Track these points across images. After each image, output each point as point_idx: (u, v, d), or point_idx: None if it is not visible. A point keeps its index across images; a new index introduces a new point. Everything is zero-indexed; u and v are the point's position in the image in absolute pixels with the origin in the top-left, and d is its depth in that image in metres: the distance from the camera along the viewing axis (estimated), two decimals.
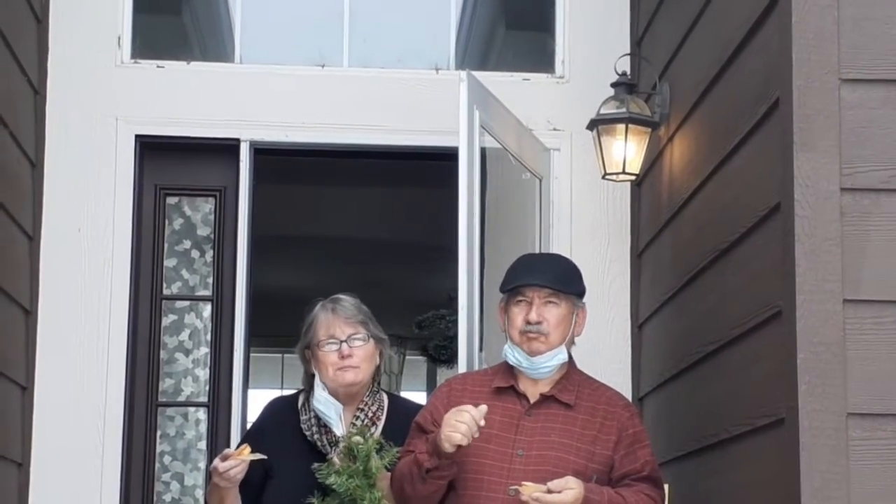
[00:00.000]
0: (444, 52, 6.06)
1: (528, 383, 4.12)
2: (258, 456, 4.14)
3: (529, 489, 3.83)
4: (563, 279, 4.12)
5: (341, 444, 4.20)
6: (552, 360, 4.08)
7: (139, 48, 5.89)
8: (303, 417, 4.33)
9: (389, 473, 4.13)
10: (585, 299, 4.19)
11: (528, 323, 4.05)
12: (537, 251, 5.51)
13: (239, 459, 4.12)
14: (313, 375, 4.36)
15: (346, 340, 4.32)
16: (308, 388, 4.39)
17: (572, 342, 4.16)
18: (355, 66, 5.98)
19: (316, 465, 4.18)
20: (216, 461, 4.15)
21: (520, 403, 4.09)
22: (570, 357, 4.16)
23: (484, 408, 3.88)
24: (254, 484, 4.24)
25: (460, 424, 3.84)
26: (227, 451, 4.19)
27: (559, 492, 3.82)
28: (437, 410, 4.09)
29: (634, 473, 4.02)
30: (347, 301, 4.41)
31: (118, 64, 5.84)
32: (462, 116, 4.97)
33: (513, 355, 4.09)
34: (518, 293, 4.09)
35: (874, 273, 3.63)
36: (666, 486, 4.33)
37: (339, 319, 4.34)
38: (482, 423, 3.86)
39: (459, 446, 3.86)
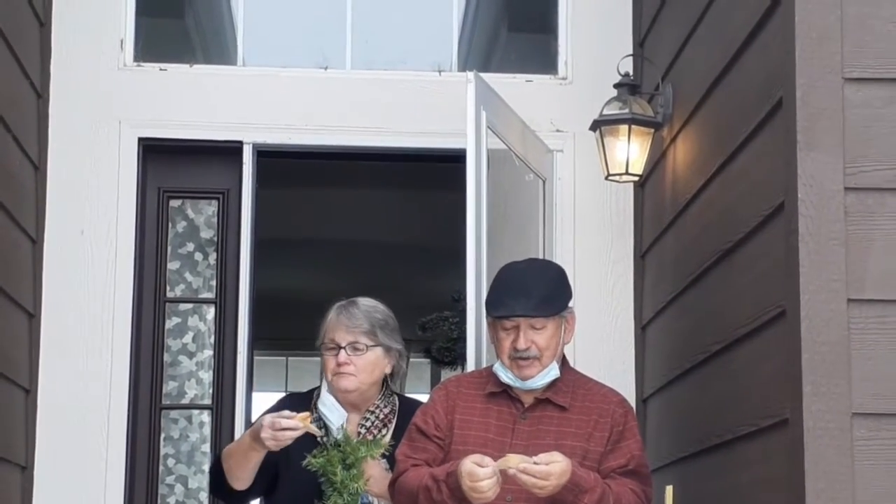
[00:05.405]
0: (447, 53, 6.05)
1: None
2: (315, 430, 4.11)
3: (514, 460, 3.80)
4: (548, 300, 4.05)
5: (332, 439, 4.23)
6: (544, 379, 4.05)
7: (142, 51, 5.89)
8: (315, 415, 4.33)
9: (386, 471, 4.18)
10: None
11: (517, 349, 4.02)
12: (541, 252, 5.49)
13: (301, 423, 4.06)
14: None
15: (344, 347, 4.31)
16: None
17: (563, 349, 4.14)
18: (358, 68, 5.97)
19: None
20: (273, 416, 4.07)
21: (514, 407, 4.07)
22: (564, 357, 4.14)
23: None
24: (267, 470, 4.23)
25: (482, 494, 3.82)
26: (286, 411, 4.11)
27: (546, 464, 3.81)
28: (438, 414, 4.10)
29: (619, 468, 4.00)
30: (360, 307, 4.38)
31: (121, 67, 5.83)
32: (470, 117, 4.94)
33: (505, 375, 4.06)
34: (504, 318, 4.06)
35: (878, 272, 3.62)
36: (670, 487, 4.33)
37: (342, 326, 4.33)
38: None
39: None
